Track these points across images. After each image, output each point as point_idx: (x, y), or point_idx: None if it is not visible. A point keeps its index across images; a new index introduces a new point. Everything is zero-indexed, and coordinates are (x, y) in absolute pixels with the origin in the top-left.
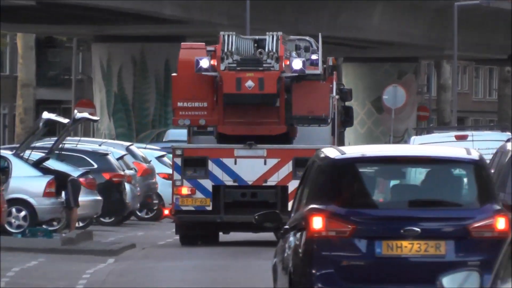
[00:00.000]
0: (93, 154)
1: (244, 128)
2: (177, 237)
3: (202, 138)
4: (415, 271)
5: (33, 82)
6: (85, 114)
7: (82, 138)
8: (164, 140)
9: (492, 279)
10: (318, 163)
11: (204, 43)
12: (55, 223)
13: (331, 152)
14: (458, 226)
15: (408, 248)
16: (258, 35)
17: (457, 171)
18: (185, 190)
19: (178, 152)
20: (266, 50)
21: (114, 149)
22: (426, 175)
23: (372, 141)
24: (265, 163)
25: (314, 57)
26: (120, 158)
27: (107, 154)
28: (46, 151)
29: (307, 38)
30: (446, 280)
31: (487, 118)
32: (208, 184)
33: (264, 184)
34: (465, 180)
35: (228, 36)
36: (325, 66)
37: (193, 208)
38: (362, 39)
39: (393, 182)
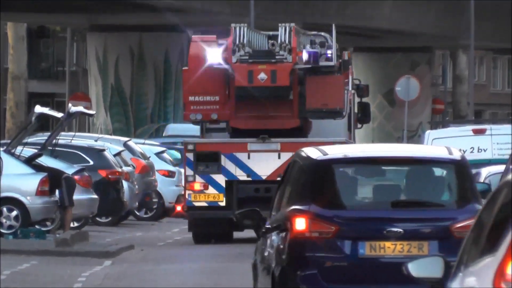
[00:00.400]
0: (89, 150)
1: (257, 122)
2: (178, 237)
3: (216, 135)
4: (398, 271)
5: (24, 74)
6: (80, 108)
7: (77, 133)
8: (163, 135)
9: (455, 264)
10: (300, 163)
11: (215, 36)
12: (48, 223)
13: (313, 152)
14: (441, 227)
15: (391, 248)
16: (265, 27)
17: (438, 171)
18: (197, 186)
19: (190, 147)
20: (279, 41)
21: (110, 145)
22: (408, 175)
23: (383, 137)
24: (279, 157)
25: (329, 52)
26: (117, 154)
27: (103, 150)
28: (39, 147)
29: (323, 33)
30: (411, 266)
31: (506, 111)
32: (221, 179)
33: (278, 179)
34: (447, 180)
35: (240, 28)
36: (340, 60)
37: (206, 204)
38: (372, 28)
39: (375, 183)
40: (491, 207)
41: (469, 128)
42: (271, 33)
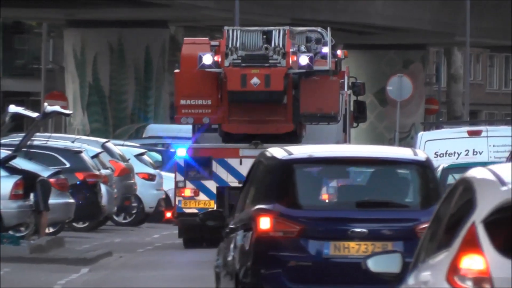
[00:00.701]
0: (65, 152)
1: (250, 126)
2: (159, 244)
3: (208, 135)
4: (362, 271)
5: None
6: (56, 108)
7: (53, 134)
8: (144, 136)
9: (413, 260)
10: (264, 163)
11: (207, 38)
12: (22, 228)
13: (278, 152)
14: (405, 227)
15: (355, 249)
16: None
17: (403, 172)
18: (188, 192)
19: (181, 152)
20: (273, 45)
21: (88, 146)
22: (373, 176)
23: (374, 138)
24: None
25: (325, 50)
26: (95, 156)
27: (80, 152)
28: (13, 148)
29: (319, 29)
30: (371, 262)
31: (503, 112)
32: (212, 185)
33: None
34: (411, 181)
35: (233, 31)
36: (336, 59)
37: (196, 211)
38: (364, 24)
39: (340, 183)
40: (448, 203)
41: (464, 130)
42: (266, 28)
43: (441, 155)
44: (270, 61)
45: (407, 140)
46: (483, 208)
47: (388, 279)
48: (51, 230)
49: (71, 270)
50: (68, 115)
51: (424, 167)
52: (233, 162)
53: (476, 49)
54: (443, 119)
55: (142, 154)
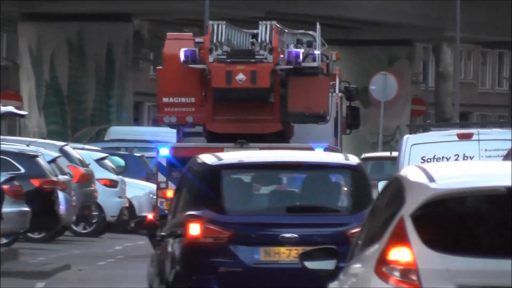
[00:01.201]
0: (20, 156)
1: (236, 126)
2: (121, 256)
3: (193, 139)
4: (293, 277)
5: None
6: (10, 108)
7: (6, 137)
8: (105, 139)
9: (348, 258)
10: (195, 169)
11: (191, 34)
12: None
13: (207, 158)
14: (336, 232)
15: (286, 254)
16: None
17: (334, 177)
18: (170, 193)
19: (163, 151)
20: (259, 40)
21: (45, 150)
22: (304, 181)
23: (356, 141)
24: None
25: (317, 53)
26: (52, 161)
27: (36, 156)
28: None
29: (311, 32)
30: (303, 256)
31: (496, 113)
32: None
33: None
34: (343, 186)
35: (218, 25)
36: (328, 61)
37: None
38: (345, 18)
39: (271, 188)
40: (382, 199)
41: (453, 133)
42: (255, 31)
43: (429, 160)
44: (257, 57)
45: (391, 144)
46: (412, 203)
47: (323, 276)
48: (4, 241)
49: (25, 284)
50: (23, 116)
51: (355, 172)
52: None
53: (467, 45)
54: (431, 121)
55: (103, 158)
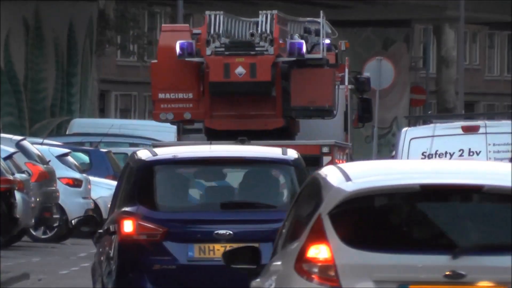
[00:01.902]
0: None
1: (236, 122)
2: (85, 264)
3: (193, 137)
4: (228, 274)
5: None
6: None
7: None
8: (67, 132)
9: (271, 255)
10: (131, 165)
11: (188, 25)
12: None
13: (143, 154)
14: (272, 228)
15: (221, 251)
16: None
17: (271, 172)
18: None
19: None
20: (259, 31)
21: None
22: (243, 176)
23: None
24: None
25: (326, 41)
26: (8, 157)
27: None
28: None
29: (319, 20)
30: (226, 255)
31: (505, 103)
32: None
33: None
34: (280, 181)
35: (215, 16)
36: (336, 51)
37: None
38: None
39: (207, 184)
40: (301, 199)
41: (457, 125)
42: (255, 19)
43: (430, 156)
44: (257, 49)
45: (387, 137)
46: (329, 201)
47: (246, 273)
48: None
49: None
50: None
51: (292, 167)
52: None
53: (472, 26)
54: (432, 112)
55: (65, 154)
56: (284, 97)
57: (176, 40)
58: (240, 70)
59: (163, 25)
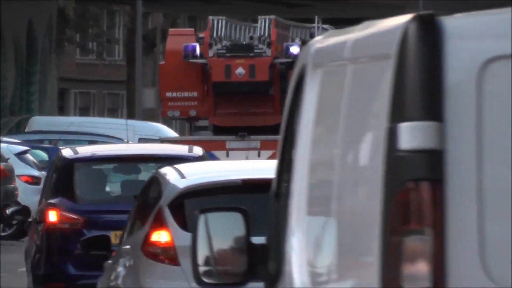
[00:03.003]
0: None
1: (237, 118)
2: None
3: (203, 133)
4: None
5: None
6: None
7: None
8: (26, 130)
9: (119, 241)
10: (56, 162)
11: (193, 29)
12: None
13: (67, 152)
14: None
15: None
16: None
17: None
18: None
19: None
20: (258, 35)
21: None
22: (152, 172)
23: None
24: (258, 155)
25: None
26: None
27: None
28: None
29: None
30: (83, 244)
31: None
32: None
33: None
34: None
35: (218, 21)
36: None
37: None
38: None
39: (122, 179)
40: (145, 194)
41: None
42: (254, 25)
43: None
44: (255, 51)
45: None
46: (168, 195)
47: (98, 258)
48: None
49: None
50: None
51: None
52: (220, 154)
53: None
54: None
55: (24, 152)
56: (281, 95)
57: (182, 43)
58: (240, 70)
59: (170, 29)
